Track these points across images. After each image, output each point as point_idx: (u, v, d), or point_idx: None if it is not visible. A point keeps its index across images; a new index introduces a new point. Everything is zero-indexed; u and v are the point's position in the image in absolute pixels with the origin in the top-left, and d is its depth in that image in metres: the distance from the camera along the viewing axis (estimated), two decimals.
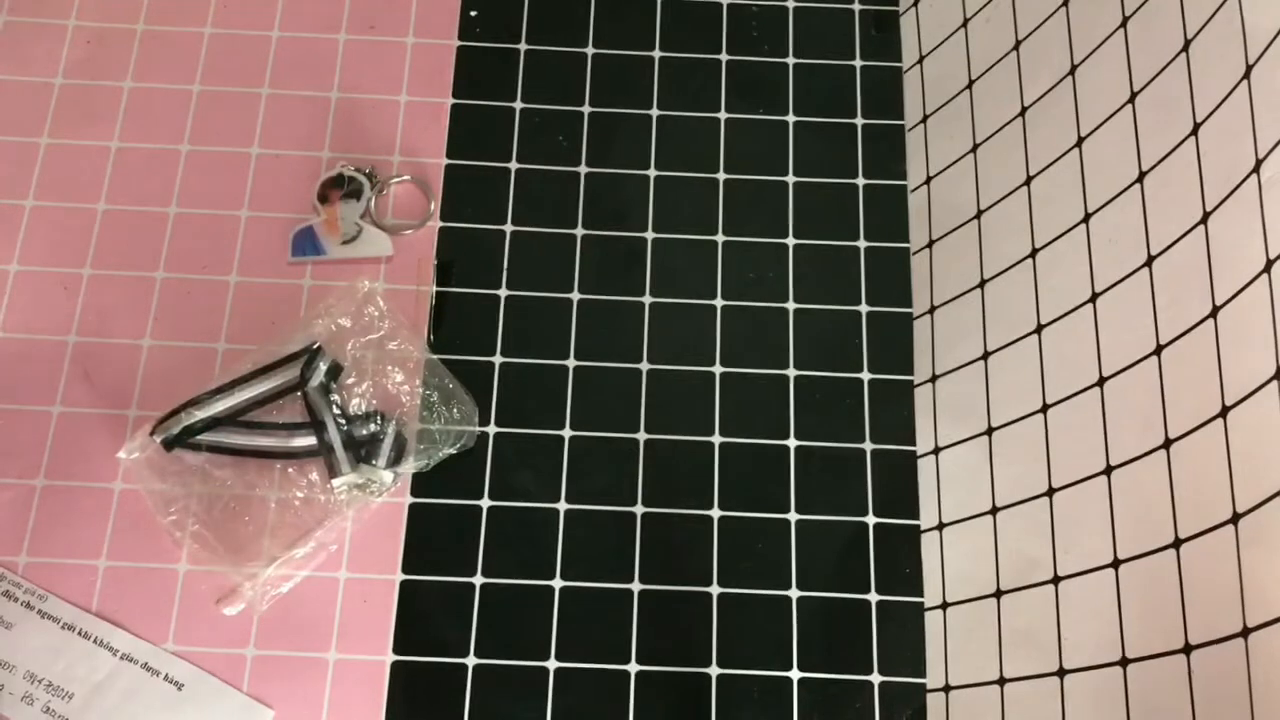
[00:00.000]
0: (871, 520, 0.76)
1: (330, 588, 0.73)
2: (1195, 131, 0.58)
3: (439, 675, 0.72)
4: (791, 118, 0.86)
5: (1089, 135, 0.67)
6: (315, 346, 0.75)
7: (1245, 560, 0.50)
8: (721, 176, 0.84)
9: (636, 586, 0.74)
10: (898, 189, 0.84)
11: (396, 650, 0.72)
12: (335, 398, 0.74)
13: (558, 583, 0.74)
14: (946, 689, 0.71)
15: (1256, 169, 0.53)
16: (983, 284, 0.74)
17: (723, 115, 0.86)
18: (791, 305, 0.81)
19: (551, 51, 0.87)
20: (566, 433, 0.77)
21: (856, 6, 0.90)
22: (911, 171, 0.84)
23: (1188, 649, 0.53)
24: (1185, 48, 0.59)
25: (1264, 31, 0.54)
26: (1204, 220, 0.56)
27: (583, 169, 0.84)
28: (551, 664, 0.72)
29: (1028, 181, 0.72)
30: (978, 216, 0.76)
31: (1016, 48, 0.75)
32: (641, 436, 0.77)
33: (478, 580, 0.74)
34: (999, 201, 0.74)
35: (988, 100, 0.78)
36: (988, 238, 0.75)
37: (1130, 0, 0.65)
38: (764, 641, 0.73)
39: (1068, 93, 0.69)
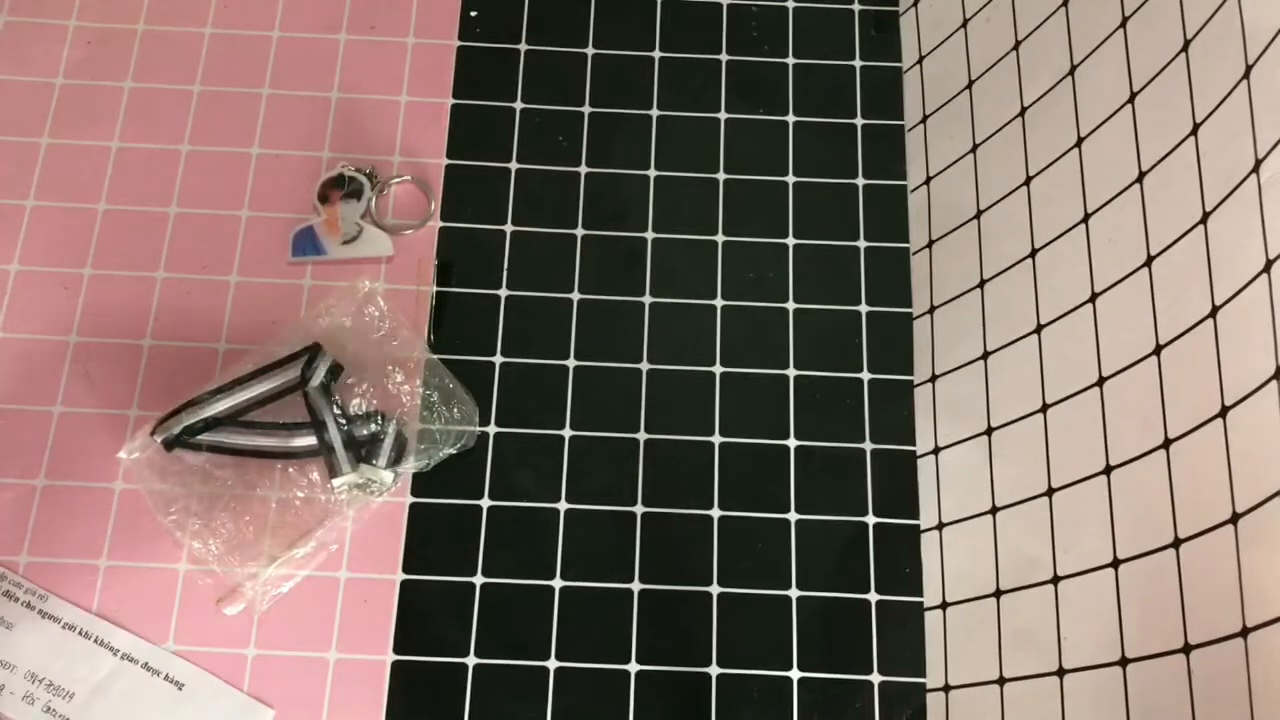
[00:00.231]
0: (871, 520, 0.76)
1: (330, 588, 0.73)
2: (1195, 131, 0.58)
3: (439, 675, 0.72)
4: (791, 118, 0.86)
5: (1089, 135, 0.67)
6: (315, 346, 0.75)
7: (1245, 560, 0.50)
8: (721, 176, 0.84)
9: (636, 586, 0.74)
10: (898, 189, 0.84)
11: (397, 650, 0.72)
12: (335, 398, 0.74)
13: (558, 583, 0.74)
14: (946, 689, 0.71)
15: (1256, 169, 0.53)
16: (982, 284, 0.74)
17: (723, 115, 0.86)
18: (791, 305, 0.81)
19: (551, 52, 0.87)
20: (566, 433, 0.77)
21: (856, 6, 0.90)
22: (911, 171, 0.84)
23: (1187, 649, 0.53)
24: (1185, 48, 0.59)
25: (1264, 31, 0.54)
26: (1204, 220, 0.56)
27: (583, 169, 0.84)
28: (551, 664, 0.72)
29: (1027, 181, 0.72)
30: (977, 216, 0.76)
31: (1016, 48, 0.75)
32: (641, 436, 0.77)
33: (478, 580, 0.74)
34: (999, 201, 0.74)
35: (987, 100, 0.78)
36: (987, 238, 0.75)
37: (1130, 0, 0.65)
38: (764, 641, 0.73)
39: (1067, 93, 0.69)
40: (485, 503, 0.75)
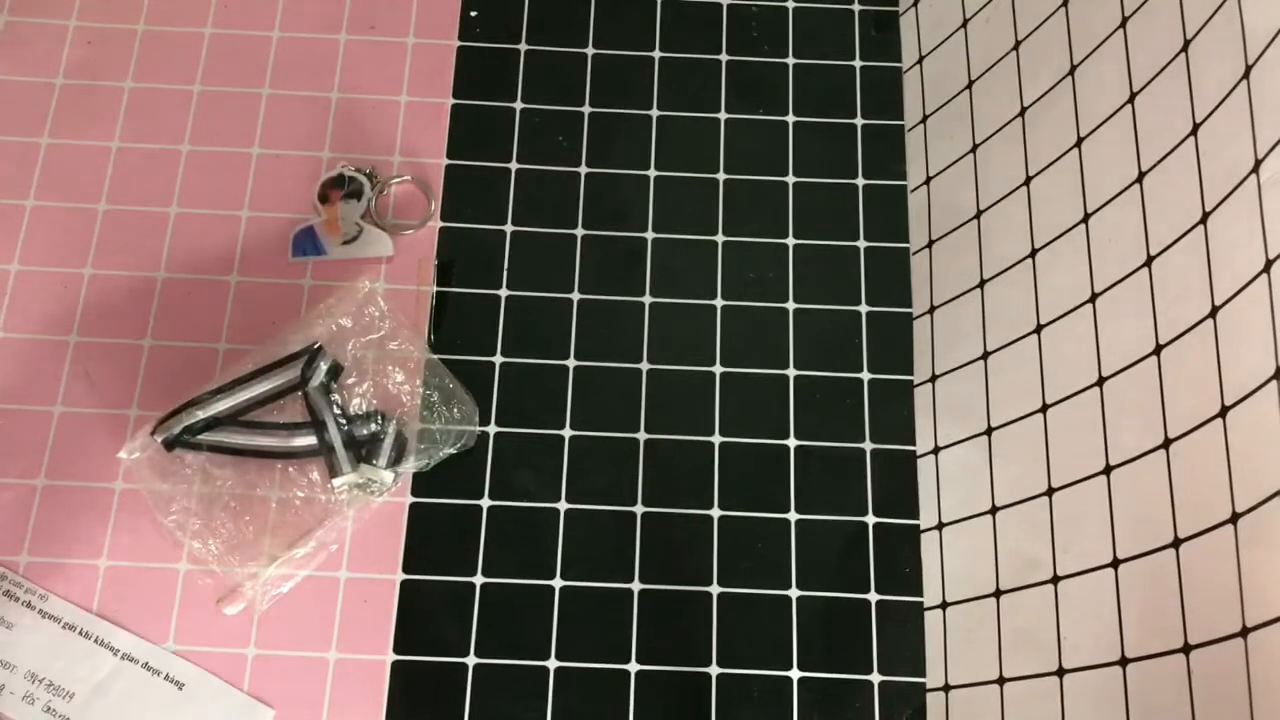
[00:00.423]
0: (871, 520, 0.76)
1: (330, 587, 0.73)
2: (1195, 131, 0.58)
3: (439, 675, 0.72)
4: (791, 118, 0.86)
5: (1088, 135, 0.67)
6: (316, 346, 0.75)
7: (1244, 560, 0.50)
8: (721, 176, 0.84)
9: (636, 586, 0.74)
10: (897, 189, 0.84)
11: (397, 650, 0.72)
12: (336, 398, 0.74)
13: (558, 582, 0.74)
14: (946, 688, 0.71)
15: (1256, 169, 0.53)
16: (982, 284, 0.74)
17: (722, 115, 0.86)
18: (791, 305, 0.81)
19: (551, 52, 0.87)
20: (567, 432, 0.77)
21: (856, 6, 0.90)
22: (911, 172, 0.84)
23: (1187, 649, 0.53)
24: (1185, 48, 0.59)
25: (1263, 32, 0.54)
26: (1203, 220, 0.56)
27: (583, 169, 0.84)
28: (551, 664, 0.72)
29: (1027, 182, 0.72)
30: (977, 217, 0.76)
31: (1016, 48, 0.75)
32: (641, 436, 0.77)
33: (478, 580, 0.74)
34: (998, 202, 0.74)
35: (987, 100, 0.78)
36: (987, 238, 0.75)
37: (1130, 0, 0.65)
38: (764, 641, 0.73)
39: (1067, 93, 0.69)
40: (485, 503, 0.75)
